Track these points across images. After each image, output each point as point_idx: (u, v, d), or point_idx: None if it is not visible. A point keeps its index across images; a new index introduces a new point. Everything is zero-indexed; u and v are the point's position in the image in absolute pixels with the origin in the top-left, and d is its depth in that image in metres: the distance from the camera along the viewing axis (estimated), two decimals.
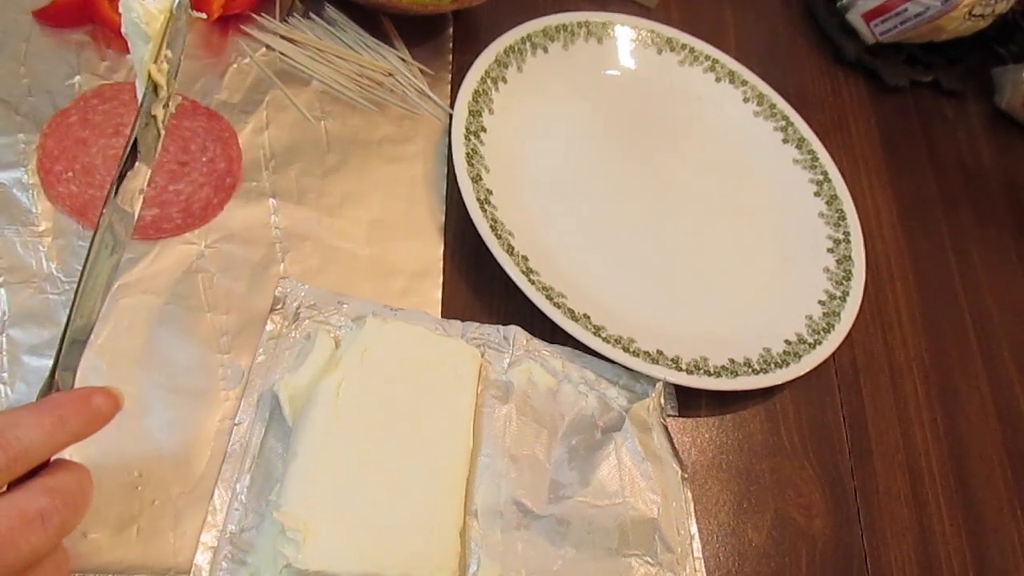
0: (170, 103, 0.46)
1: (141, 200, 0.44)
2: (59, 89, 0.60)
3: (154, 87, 0.45)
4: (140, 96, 0.45)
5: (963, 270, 0.80)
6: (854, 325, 0.68)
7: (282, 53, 0.67)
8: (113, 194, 0.43)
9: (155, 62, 0.45)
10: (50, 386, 0.40)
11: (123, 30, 0.46)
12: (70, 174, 0.56)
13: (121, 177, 0.43)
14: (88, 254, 0.41)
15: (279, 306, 0.56)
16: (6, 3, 0.62)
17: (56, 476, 0.37)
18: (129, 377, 0.51)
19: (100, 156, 0.57)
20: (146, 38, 0.45)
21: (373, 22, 0.71)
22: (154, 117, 0.45)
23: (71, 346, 0.40)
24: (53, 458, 0.38)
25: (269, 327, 0.55)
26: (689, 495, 0.57)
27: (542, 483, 0.53)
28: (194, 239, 0.57)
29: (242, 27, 0.67)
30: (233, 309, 0.55)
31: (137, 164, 0.44)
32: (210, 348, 0.53)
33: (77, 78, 0.61)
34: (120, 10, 0.45)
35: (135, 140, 0.44)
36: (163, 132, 0.46)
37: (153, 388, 0.51)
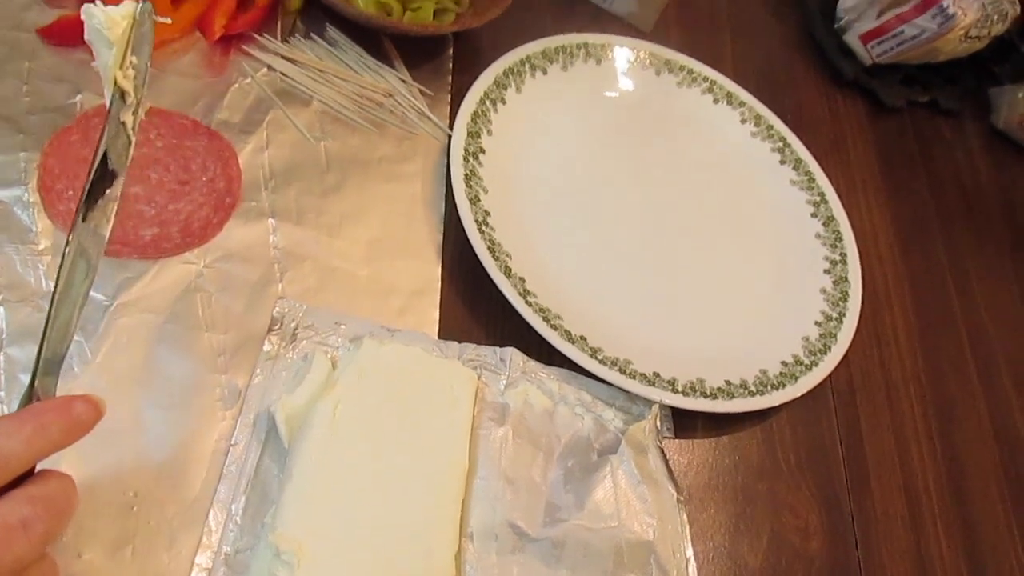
0: (139, 109, 0.46)
1: (115, 211, 0.44)
2: (61, 107, 0.60)
3: (121, 94, 0.45)
4: (108, 103, 0.45)
5: (960, 289, 0.80)
6: (850, 346, 0.69)
7: (283, 73, 0.68)
8: (81, 217, 0.43)
9: (120, 68, 0.45)
10: (30, 396, 0.40)
11: (86, 37, 0.46)
12: (71, 192, 0.56)
13: (90, 191, 0.43)
14: (59, 276, 0.41)
15: (277, 326, 0.56)
16: (10, 22, 0.63)
17: (39, 485, 0.37)
18: (127, 395, 0.51)
19: None
20: (109, 44, 0.45)
21: (374, 43, 0.72)
22: (123, 124, 0.45)
23: (50, 360, 0.41)
24: (38, 467, 0.38)
25: (266, 347, 0.55)
26: (685, 518, 0.57)
27: (538, 505, 0.53)
28: (193, 258, 0.57)
29: (244, 47, 0.68)
30: (231, 328, 0.55)
31: (109, 172, 0.44)
32: (207, 367, 0.53)
33: (79, 96, 0.61)
34: (82, 17, 0.45)
35: (106, 150, 0.44)
36: (133, 139, 0.46)
37: (150, 407, 0.51)
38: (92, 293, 0.52)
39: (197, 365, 0.53)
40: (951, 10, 0.82)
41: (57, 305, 0.41)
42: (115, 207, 0.44)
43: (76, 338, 0.50)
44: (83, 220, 0.43)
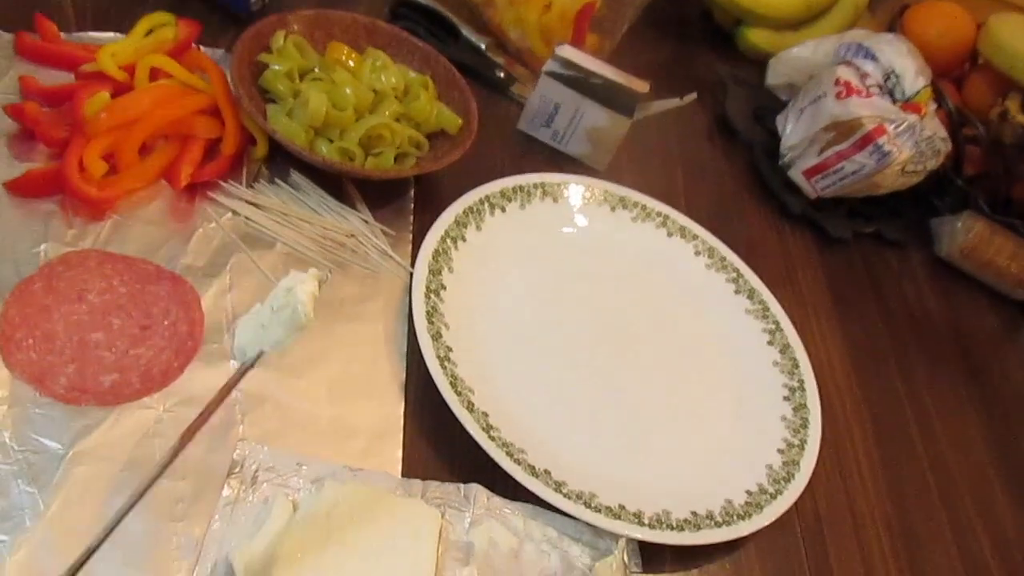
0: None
1: None
2: (25, 257, 0.61)
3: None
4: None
5: (917, 414, 0.81)
6: (814, 473, 0.69)
7: (247, 217, 0.69)
8: None
9: None
10: None
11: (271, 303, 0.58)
12: (30, 341, 0.56)
13: None
14: None
15: (237, 469, 0.55)
16: None
17: None
18: (79, 550, 0.49)
19: (61, 323, 0.58)
20: (300, 326, 0.57)
21: (337, 186, 0.74)
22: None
23: None
24: None
25: (226, 492, 0.54)
26: None
27: None
28: (153, 404, 0.57)
29: (209, 194, 0.69)
30: (190, 474, 0.54)
31: None
32: (165, 516, 0.52)
33: (43, 246, 0.62)
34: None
35: None
36: None
37: (104, 563, 0.49)
38: (47, 442, 0.52)
39: (154, 514, 0.52)
40: (887, 148, 0.87)
41: None
42: None
43: (29, 490, 0.50)
44: None
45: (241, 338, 0.58)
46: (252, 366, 0.54)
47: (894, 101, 0.89)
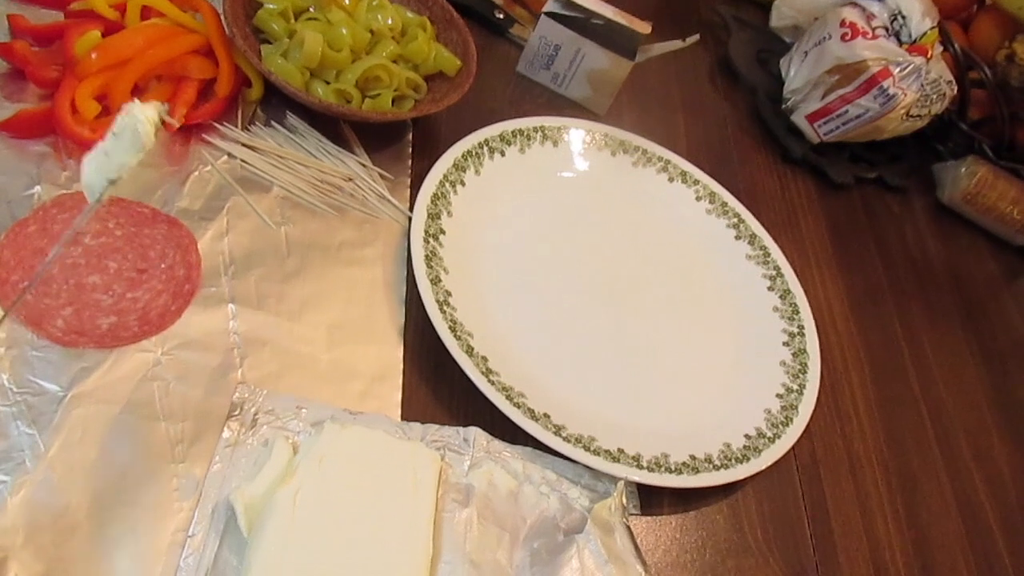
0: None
1: None
2: (18, 200, 0.60)
3: None
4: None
5: (916, 360, 0.82)
6: (812, 418, 0.69)
7: (243, 160, 0.68)
8: None
9: None
10: None
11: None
12: (25, 283, 0.56)
13: None
14: None
15: (236, 412, 0.55)
16: None
17: None
18: (81, 490, 0.49)
19: (57, 265, 0.57)
20: (141, 148, 0.51)
21: (334, 129, 0.73)
22: None
23: None
24: None
25: (226, 434, 0.54)
26: None
27: None
28: (151, 347, 0.56)
29: (204, 136, 0.68)
30: (189, 417, 0.54)
31: None
32: (164, 458, 0.52)
33: (37, 188, 0.61)
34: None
35: None
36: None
37: (105, 501, 0.49)
38: (46, 384, 0.52)
39: (154, 456, 0.52)
40: (892, 91, 0.86)
41: None
42: None
43: (28, 431, 0.50)
44: None
45: (88, 174, 0.53)
46: (101, 201, 0.52)
47: (900, 43, 0.88)
